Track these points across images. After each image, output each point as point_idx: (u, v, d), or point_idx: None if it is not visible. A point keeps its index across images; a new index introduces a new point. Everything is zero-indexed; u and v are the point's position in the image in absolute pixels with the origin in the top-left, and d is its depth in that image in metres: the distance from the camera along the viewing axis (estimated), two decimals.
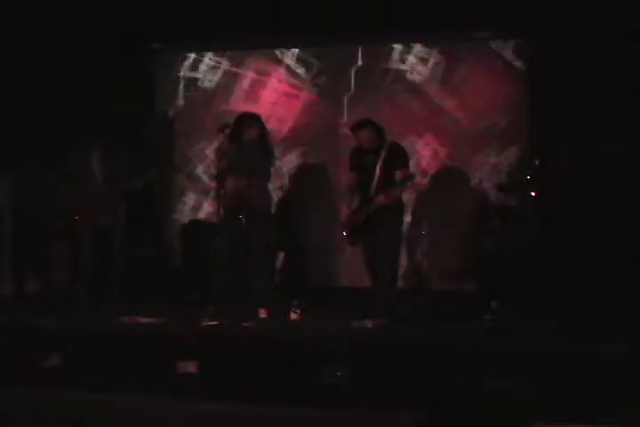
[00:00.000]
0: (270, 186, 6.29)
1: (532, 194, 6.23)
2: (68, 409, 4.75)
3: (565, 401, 4.44)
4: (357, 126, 5.90)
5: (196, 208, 7.55)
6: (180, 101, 7.62)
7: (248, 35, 7.07)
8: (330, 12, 6.68)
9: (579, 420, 4.32)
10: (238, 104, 7.36)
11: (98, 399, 4.89)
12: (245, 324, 5.68)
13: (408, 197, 6.46)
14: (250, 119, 6.12)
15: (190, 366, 5.07)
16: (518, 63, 6.81)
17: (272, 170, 6.19)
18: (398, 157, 5.80)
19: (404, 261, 6.62)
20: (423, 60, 7.04)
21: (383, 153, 5.79)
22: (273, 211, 6.52)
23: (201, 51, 7.58)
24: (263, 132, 6.12)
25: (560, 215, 6.23)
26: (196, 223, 7.29)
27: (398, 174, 5.75)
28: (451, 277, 6.79)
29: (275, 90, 7.40)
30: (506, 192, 6.50)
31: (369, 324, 5.63)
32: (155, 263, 7.22)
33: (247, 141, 6.04)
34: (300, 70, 7.31)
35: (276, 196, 6.82)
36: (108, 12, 7.00)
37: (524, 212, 6.26)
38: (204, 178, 7.46)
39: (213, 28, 7.04)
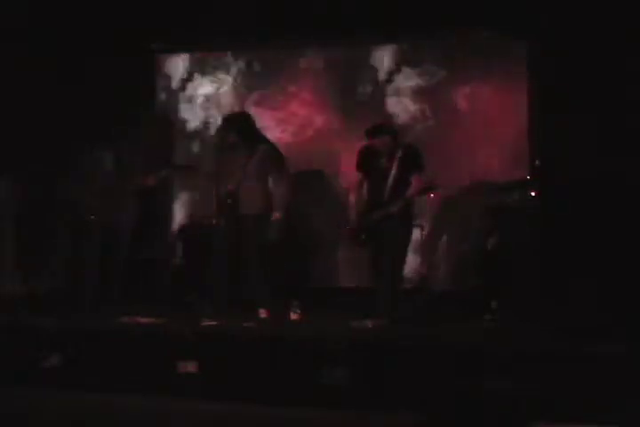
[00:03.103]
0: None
1: (532, 194, 6.23)
2: (68, 409, 4.75)
3: (565, 401, 4.44)
4: (374, 132, 5.80)
5: (196, 208, 7.55)
6: (180, 101, 7.63)
7: (247, 35, 7.08)
8: (329, 12, 6.68)
9: (579, 420, 4.32)
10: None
11: (98, 399, 4.88)
12: (245, 324, 5.68)
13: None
14: (229, 121, 6.10)
15: (190, 366, 5.07)
16: (518, 63, 6.80)
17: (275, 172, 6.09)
18: (415, 160, 5.75)
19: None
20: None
21: (398, 155, 5.73)
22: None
23: (201, 51, 7.58)
24: (247, 133, 6.05)
25: (560, 215, 6.23)
26: (195, 223, 7.28)
27: (414, 178, 5.72)
28: (451, 277, 6.79)
29: None
30: (506, 192, 6.49)
31: (369, 324, 5.63)
32: (155, 263, 7.22)
33: (235, 143, 6.03)
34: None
35: None
36: (108, 12, 7.00)
37: (523, 212, 6.25)
38: (204, 178, 7.46)
39: (213, 28, 7.05)
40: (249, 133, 6.06)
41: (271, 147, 6.14)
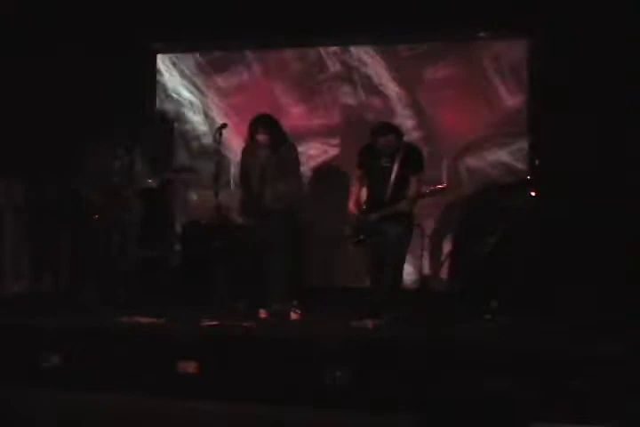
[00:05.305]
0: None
1: (532, 194, 6.24)
2: (67, 409, 4.75)
3: (565, 401, 4.44)
4: (379, 131, 5.77)
5: (200, 208, 7.54)
6: (180, 101, 7.63)
7: (247, 34, 7.09)
8: (329, 12, 6.69)
9: (579, 420, 4.32)
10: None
11: (98, 399, 4.88)
12: (245, 324, 5.68)
13: None
14: (260, 123, 6.06)
15: (190, 366, 5.07)
16: (518, 63, 6.80)
17: (293, 171, 6.12)
18: (416, 160, 5.76)
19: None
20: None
21: (400, 155, 5.73)
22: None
23: (201, 51, 7.58)
24: (276, 135, 6.06)
25: (560, 215, 6.23)
26: (198, 223, 7.28)
27: (414, 178, 5.72)
28: (451, 276, 6.79)
29: None
30: (505, 192, 6.50)
31: (369, 324, 5.63)
32: (158, 263, 7.22)
33: (261, 144, 6.04)
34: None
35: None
36: (108, 11, 7.01)
37: (524, 212, 6.25)
38: (208, 178, 7.45)
39: (214, 28, 7.05)
40: (278, 134, 6.08)
41: (292, 146, 6.19)
